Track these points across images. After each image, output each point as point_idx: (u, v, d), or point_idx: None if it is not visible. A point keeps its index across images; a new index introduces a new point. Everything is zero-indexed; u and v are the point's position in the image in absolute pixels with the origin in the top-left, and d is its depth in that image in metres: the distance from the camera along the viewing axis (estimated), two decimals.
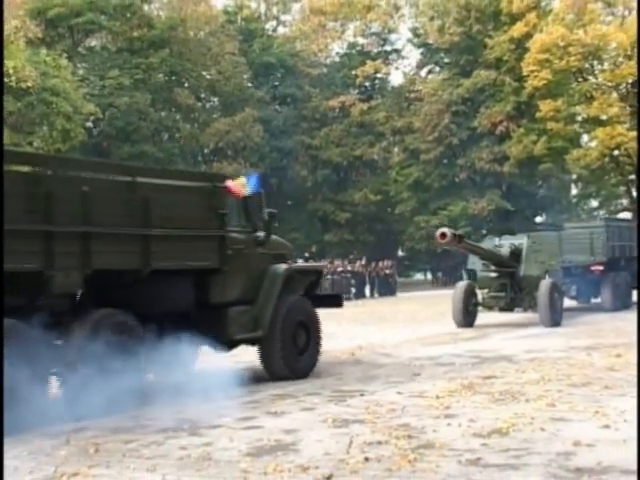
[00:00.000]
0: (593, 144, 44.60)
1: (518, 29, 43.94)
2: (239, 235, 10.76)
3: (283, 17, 51.64)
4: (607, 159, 43.76)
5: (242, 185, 10.98)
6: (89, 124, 35.05)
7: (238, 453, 6.46)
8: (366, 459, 6.07)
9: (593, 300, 23.16)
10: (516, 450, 6.26)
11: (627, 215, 48.43)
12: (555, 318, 18.55)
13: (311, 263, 12.46)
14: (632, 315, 18.70)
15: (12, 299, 7.91)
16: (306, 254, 38.96)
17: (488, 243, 20.72)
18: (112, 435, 7.39)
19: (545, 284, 18.72)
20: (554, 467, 5.75)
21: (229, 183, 10.69)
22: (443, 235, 17.18)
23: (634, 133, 41.48)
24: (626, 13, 44.41)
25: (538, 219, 44.52)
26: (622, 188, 47.07)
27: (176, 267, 9.70)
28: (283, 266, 11.43)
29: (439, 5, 47.09)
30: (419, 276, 63.07)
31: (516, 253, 19.77)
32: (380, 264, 39.07)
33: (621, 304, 22.21)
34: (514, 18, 44.78)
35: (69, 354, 8.32)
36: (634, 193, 46.27)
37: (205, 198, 10.17)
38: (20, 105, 27.82)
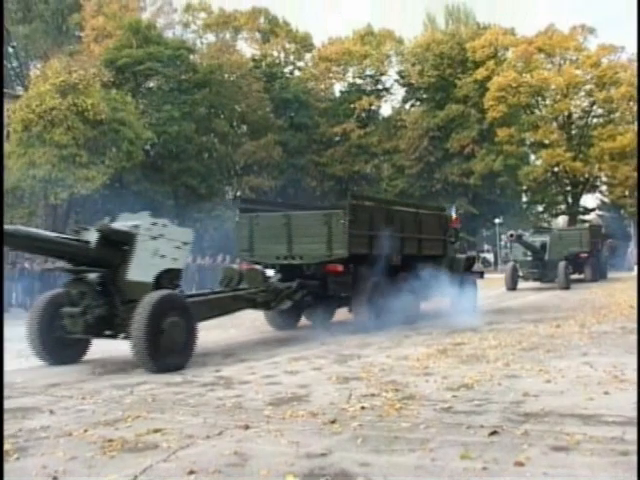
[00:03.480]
0: (539, 162, 44.57)
1: (480, 73, 43.85)
2: (447, 238, 15.36)
3: (298, 63, 51.36)
4: (549, 174, 43.78)
5: (458, 219, 16.66)
6: (147, 147, 35.01)
7: (262, 403, 6.48)
8: (362, 408, 6.08)
9: (577, 275, 27.32)
10: (479, 400, 6.28)
11: (564, 218, 48.44)
12: (567, 284, 24.08)
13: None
14: (602, 284, 25.96)
15: (374, 269, 12.30)
16: None
17: (527, 239, 26.13)
18: (165, 388, 7.42)
19: (562, 264, 24.36)
20: (508, 413, 5.77)
21: (453, 219, 16.45)
22: (511, 235, 24.75)
23: (570, 154, 41.47)
24: (562, 62, 44.41)
25: (497, 221, 44.42)
26: (560, 197, 47.01)
27: (429, 254, 14.36)
28: (463, 255, 16.94)
29: (419, 54, 46.91)
30: None
31: (543, 245, 25.52)
32: None
33: (595, 278, 27.70)
34: (477, 64, 44.67)
35: (401, 294, 12.64)
36: (570, 200, 46.20)
37: (438, 219, 15.29)
38: (95, 132, 27.84)
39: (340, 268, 12.03)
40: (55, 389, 7.46)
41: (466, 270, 16.20)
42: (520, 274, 25.22)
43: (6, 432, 5.50)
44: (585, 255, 26.97)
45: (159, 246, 9.18)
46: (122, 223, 9.53)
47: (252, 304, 11.32)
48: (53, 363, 9.21)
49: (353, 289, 12.26)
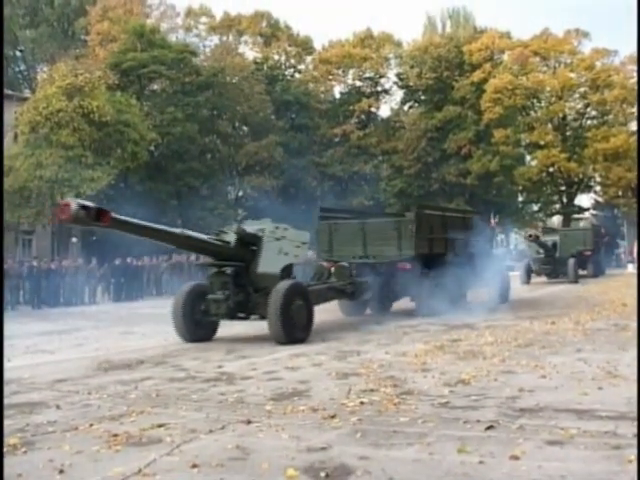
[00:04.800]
0: (534, 163, 44.54)
1: (477, 75, 43.79)
2: (479, 238, 16.49)
3: (299, 66, 51.26)
4: (544, 174, 43.74)
5: (495, 222, 17.07)
6: (151, 148, 34.98)
7: (264, 398, 6.48)
8: (361, 403, 6.08)
9: (581, 272, 28.02)
10: (476, 395, 6.27)
11: (559, 217, 48.40)
12: (576, 279, 25.85)
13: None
14: (598, 281, 26.86)
15: (433, 265, 14.21)
16: None
17: (542, 238, 27.74)
18: (169, 384, 7.42)
19: (571, 261, 26.11)
20: (504, 408, 5.76)
21: (491, 221, 17.56)
22: (530, 235, 27.19)
23: (565, 155, 41.46)
24: (557, 65, 44.38)
25: (492, 221, 44.29)
26: (555, 197, 46.98)
27: (473, 252, 15.60)
28: (498, 251, 18.24)
29: (418, 57, 46.86)
30: None
31: (554, 244, 27.13)
32: None
33: (597, 274, 29.25)
34: (474, 67, 44.59)
35: (452, 286, 13.97)
36: (564, 200, 46.18)
37: (466, 221, 16.60)
38: (101, 134, 27.85)
39: (409, 266, 14.00)
40: (62, 384, 7.46)
41: (499, 264, 17.53)
42: (533, 269, 27.03)
43: (14, 426, 5.51)
44: (589, 253, 28.61)
45: (282, 245, 11.15)
46: (249, 227, 11.42)
47: (341, 294, 13.30)
48: (191, 340, 10.74)
49: (416, 283, 13.99)
